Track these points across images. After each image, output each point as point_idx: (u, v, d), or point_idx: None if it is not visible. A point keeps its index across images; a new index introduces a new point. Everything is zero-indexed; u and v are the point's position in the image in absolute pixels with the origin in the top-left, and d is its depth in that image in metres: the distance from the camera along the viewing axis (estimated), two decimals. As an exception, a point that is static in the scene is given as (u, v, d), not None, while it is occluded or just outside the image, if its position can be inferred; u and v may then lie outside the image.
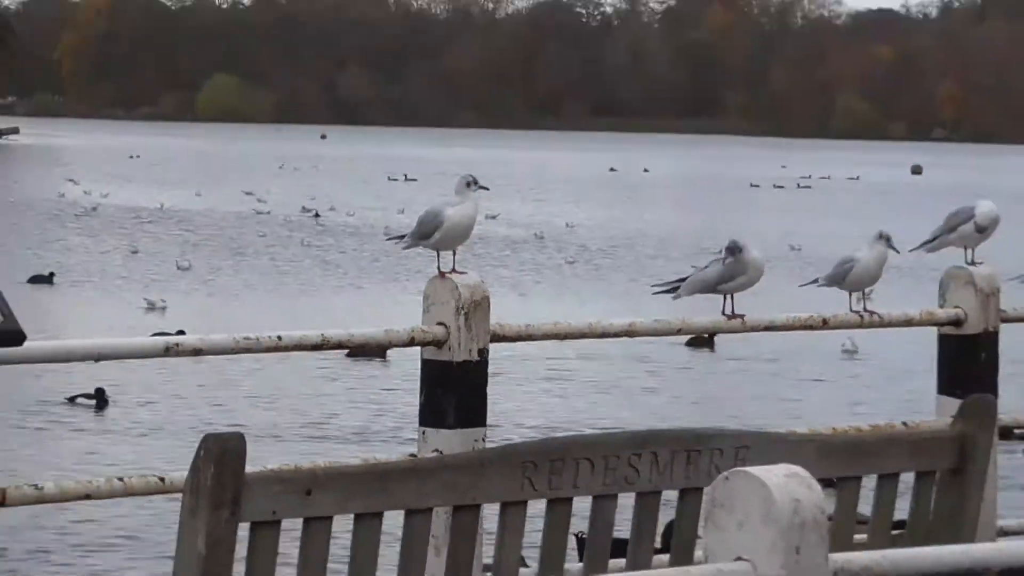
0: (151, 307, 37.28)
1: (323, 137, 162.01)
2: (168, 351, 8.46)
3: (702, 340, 32.90)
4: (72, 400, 26.79)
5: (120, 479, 8.27)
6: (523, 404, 27.81)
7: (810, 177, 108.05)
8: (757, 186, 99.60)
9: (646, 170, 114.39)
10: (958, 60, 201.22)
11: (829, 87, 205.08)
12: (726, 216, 68.13)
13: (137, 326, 33.83)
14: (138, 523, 18.49)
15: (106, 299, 41.56)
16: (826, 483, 5.66)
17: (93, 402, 26.68)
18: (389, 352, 29.48)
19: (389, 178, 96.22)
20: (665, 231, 65.06)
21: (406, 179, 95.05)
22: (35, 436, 25.00)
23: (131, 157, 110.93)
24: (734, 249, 9.80)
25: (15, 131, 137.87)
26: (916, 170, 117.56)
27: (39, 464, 22.47)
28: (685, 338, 31.45)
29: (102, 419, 26.13)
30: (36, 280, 42.82)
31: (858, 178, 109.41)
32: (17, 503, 8.08)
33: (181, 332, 14.83)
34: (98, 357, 8.90)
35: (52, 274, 43.78)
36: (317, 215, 70.11)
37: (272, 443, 24.99)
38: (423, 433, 8.84)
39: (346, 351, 28.86)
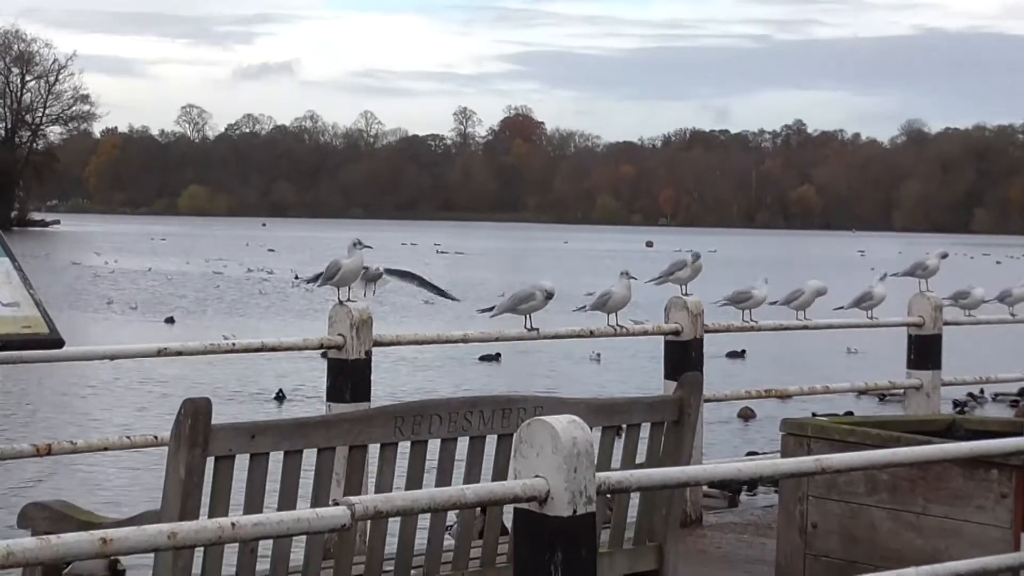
0: (226, 338, 36.31)
1: (263, 225, 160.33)
2: (159, 353, 8.34)
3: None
4: (277, 393, 27.04)
5: (128, 437, 8.12)
6: (396, 385, 27.73)
7: (582, 249, 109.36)
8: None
9: (460, 252, 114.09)
10: (674, 174, 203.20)
11: (592, 192, 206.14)
12: (532, 271, 68.02)
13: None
14: (139, 465, 17.96)
15: (193, 325, 41.68)
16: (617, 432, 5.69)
17: (273, 396, 26.94)
18: (305, 352, 29.57)
19: (267, 248, 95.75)
20: (481, 280, 65.19)
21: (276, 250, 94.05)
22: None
23: (152, 239, 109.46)
24: (548, 294, 9.72)
25: (57, 222, 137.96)
26: (649, 244, 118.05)
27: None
28: (504, 344, 31.85)
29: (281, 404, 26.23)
30: (168, 321, 43.14)
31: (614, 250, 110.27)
32: (58, 453, 7.93)
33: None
34: (112, 357, 8.75)
35: (172, 318, 43.92)
36: (250, 271, 70.33)
37: (236, 404, 25.20)
38: (329, 407, 8.76)
39: (282, 351, 29.33)
